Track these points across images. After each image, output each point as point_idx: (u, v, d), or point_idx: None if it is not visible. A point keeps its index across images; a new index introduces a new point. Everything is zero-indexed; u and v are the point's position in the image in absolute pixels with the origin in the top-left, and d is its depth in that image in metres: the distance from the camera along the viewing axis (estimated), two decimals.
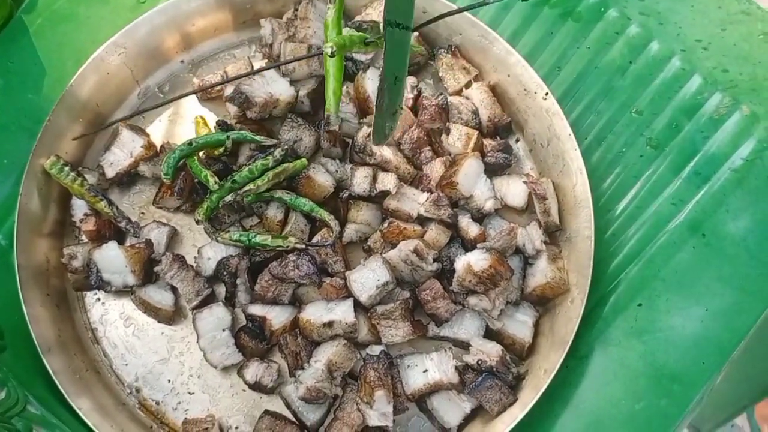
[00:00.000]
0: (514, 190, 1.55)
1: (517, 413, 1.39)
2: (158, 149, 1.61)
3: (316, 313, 1.47)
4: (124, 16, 1.66)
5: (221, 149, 1.56)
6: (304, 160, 1.53)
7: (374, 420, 1.41)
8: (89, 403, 1.45)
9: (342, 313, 1.46)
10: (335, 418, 1.45)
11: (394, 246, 1.49)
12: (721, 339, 1.42)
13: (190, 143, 1.54)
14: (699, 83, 1.56)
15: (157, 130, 1.67)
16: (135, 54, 1.63)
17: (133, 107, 1.68)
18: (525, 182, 1.53)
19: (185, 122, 1.66)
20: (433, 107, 1.57)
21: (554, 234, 1.54)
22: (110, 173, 1.57)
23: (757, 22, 1.60)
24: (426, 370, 1.45)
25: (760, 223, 1.47)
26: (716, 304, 1.43)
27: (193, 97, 1.68)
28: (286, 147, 1.54)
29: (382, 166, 1.55)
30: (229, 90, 1.58)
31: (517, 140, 1.63)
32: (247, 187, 1.49)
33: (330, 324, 1.46)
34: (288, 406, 1.46)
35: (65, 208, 1.59)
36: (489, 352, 1.44)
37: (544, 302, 1.51)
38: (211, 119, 1.65)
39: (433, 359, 1.46)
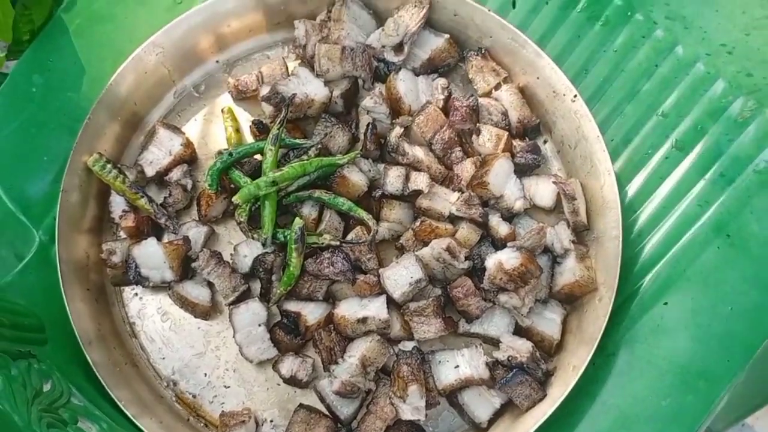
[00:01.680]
0: (542, 190, 1.59)
1: (546, 409, 1.43)
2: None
3: (350, 310, 1.51)
4: (161, 17, 1.69)
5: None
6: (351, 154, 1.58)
7: (407, 414, 1.44)
8: (128, 394, 1.49)
9: (375, 309, 1.50)
10: (368, 411, 1.49)
11: (426, 244, 1.52)
12: (746, 337, 1.46)
13: (230, 154, 1.58)
14: (723, 87, 1.59)
15: (193, 129, 1.70)
16: (172, 54, 1.66)
17: (169, 106, 1.72)
18: (554, 182, 1.56)
19: (220, 121, 1.69)
20: (464, 108, 1.60)
21: (582, 234, 1.57)
22: (150, 172, 1.61)
23: None
24: (457, 366, 1.49)
25: None
26: (741, 303, 1.47)
27: (228, 96, 1.71)
28: (319, 146, 1.58)
29: (415, 166, 1.58)
30: (264, 90, 1.61)
31: (545, 141, 1.66)
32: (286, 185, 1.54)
33: (364, 320, 1.49)
34: (322, 399, 1.50)
35: (103, 204, 1.63)
36: (519, 348, 1.47)
37: (571, 300, 1.54)
38: (245, 118, 1.69)
39: (464, 355, 1.50)
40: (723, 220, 1.51)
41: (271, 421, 1.54)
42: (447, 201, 1.55)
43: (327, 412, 1.50)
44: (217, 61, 1.74)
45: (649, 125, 1.60)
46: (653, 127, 1.59)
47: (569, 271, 1.52)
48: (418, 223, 1.54)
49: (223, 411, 1.52)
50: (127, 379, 1.52)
